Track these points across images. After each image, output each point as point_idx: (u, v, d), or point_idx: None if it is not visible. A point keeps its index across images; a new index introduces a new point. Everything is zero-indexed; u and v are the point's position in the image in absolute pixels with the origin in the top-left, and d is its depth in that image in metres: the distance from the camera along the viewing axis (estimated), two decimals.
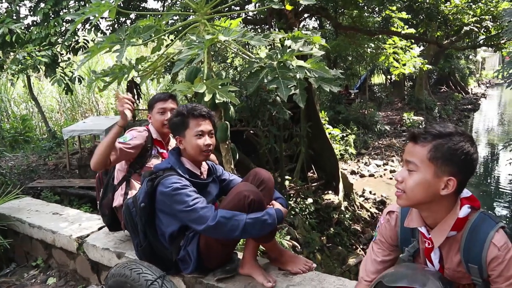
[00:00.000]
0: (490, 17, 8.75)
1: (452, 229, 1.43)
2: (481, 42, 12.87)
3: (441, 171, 1.36)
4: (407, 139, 1.41)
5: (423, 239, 1.54)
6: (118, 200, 2.75)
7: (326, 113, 11.30)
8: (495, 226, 1.40)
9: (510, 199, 10.46)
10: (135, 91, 9.69)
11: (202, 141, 2.24)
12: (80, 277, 3.19)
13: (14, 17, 6.38)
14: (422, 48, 16.43)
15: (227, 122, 3.34)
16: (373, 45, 10.15)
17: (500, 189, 11.08)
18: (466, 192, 1.47)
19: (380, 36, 9.75)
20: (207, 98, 2.63)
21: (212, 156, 2.92)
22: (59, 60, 6.85)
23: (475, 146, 1.40)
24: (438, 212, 1.44)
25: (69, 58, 7.13)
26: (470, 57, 29.26)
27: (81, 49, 6.88)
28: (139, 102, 10.46)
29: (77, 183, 7.31)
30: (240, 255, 2.44)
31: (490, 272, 1.39)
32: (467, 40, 14.38)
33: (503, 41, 9.62)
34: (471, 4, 8.79)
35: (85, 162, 8.03)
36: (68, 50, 6.78)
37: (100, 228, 3.21)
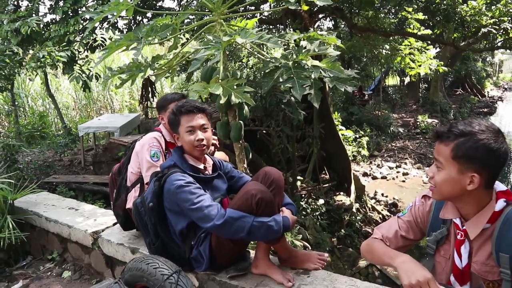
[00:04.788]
0: (509, 18, 8.61)
1: (487, 221, 1.48)
2: (499, 44, 12.70)
3: (465, 168, 1.42)
4: (433, 138, 1.46)
5: (455, 231, 1.57)
6: (131, 202, 2.78)
7: (339, 114, 11.27)
8: None
9: None
10: (149, 89, 9.81)
11: (193, 137, 2.27)
12: (95, 271, 3.25)
13: (34, 15, 6.49)
14: (438, 50, 16.27)
15: (241, 122, 3.36)
16: (388, 46, 10.09)
17: None
18: (502, 186, 1.52)
19: (396, 37, 9.69)
20: (222, 100, 2.65)
21: (222, 154, 2.93)
22: (77, 58, 6.96)
23: (501, 139, 1.41)
24: (471, 205, 1.50)
25: (87, 56, 7.23)
26: (488, 59, 28.84)
27: (99, 47, 6.98)
28: (153, 100, 10.56)
29: (91, 179, 7.41)
30: (252, 253, 2.46)
31: None
32: (485, 42, 14.21)
33: None
34: (490, 5, 8.67)
35: (99, 158, 8.14)
36: (86, 48, 6.89)
37: (115, 224, 3.25)
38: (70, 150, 9.72)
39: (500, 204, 1.48)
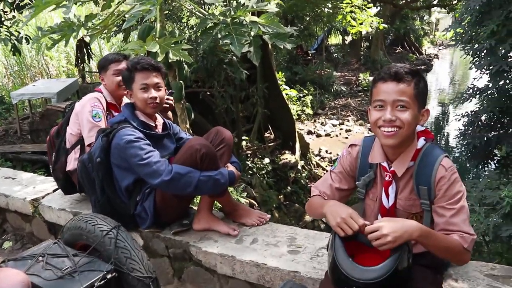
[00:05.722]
0: None
1: (411, 159, 1.61)
2: (435, 2, 13.13)
3: (421, 106, 1.54)
4: (383, 79, 1.52)
5: (383, 173, 1.68)
6: (72, 164, 2.72)
7: (283, 73, 11.31)
8: (444, 153, 1.60)
9: (458, 155, 11.05)
10: (84, 51, 9.31)
11: (147, 94, 2.26)
12: (37, 239, 3.17)
13: None
14: (378, 8, 16.56)
15: (181, 82, 3.33)
16: (330, 5, 10.14)
17: (449, 147, 11.64)
18: (420, 127, 1.65)
19: None
20: (160, 57, 2.60)
21: (169, 114, 2.92)
22: (3, 19, 6.47)
23: None
24: (405, 146, 1.61)
25: (14, 17, 6.73)
26: (425, 18, 29.74)
27: (27, 7, 6.51)
28: (89, 63, 10.06)
29: (29, 149, 7.08)
30: (195, 210, 2.50)
31: (437, 191, 1.57)
32: (422, 0, 14.62)
33: (455, 2, 9.82)
34: None
35: (36, 126, 7.75)
36: (12, 7, 6.40)
37: (55, 190, 3.17)
38: (4, 119, 9.19)
39: (421, 142, 1.62)
